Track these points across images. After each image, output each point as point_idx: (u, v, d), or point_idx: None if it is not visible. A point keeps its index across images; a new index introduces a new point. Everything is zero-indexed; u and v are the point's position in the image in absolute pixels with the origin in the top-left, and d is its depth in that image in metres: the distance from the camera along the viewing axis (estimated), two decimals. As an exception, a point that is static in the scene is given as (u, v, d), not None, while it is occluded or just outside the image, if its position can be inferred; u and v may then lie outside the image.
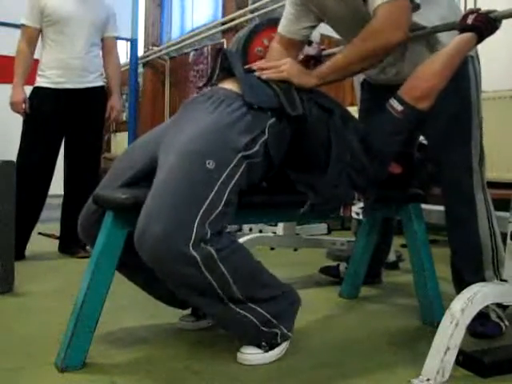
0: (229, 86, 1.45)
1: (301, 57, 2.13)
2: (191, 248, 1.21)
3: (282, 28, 1.84)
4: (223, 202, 1.27)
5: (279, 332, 1.39)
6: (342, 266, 2.27)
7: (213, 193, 1.26)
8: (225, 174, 1.28)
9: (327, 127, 1.47)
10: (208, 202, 1.25)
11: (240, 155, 1.31)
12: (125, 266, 1.42)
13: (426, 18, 1.61)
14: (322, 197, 1.45)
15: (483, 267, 1.70)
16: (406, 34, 1.52)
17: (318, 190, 1.44)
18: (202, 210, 1.24)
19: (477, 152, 1.70)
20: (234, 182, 1.30)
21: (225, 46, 5.79)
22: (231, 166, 1.30)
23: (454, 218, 1.75)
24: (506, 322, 1.63)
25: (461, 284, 1.68)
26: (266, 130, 1.37)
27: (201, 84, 6.15)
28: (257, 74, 1.50)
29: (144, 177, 1.39)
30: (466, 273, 1.71)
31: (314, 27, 1.85)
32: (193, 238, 1.21)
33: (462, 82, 1.67)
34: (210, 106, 1.39)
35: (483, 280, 1.65)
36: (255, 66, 1.54)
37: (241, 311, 1.33)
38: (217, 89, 1.47)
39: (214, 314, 1.40)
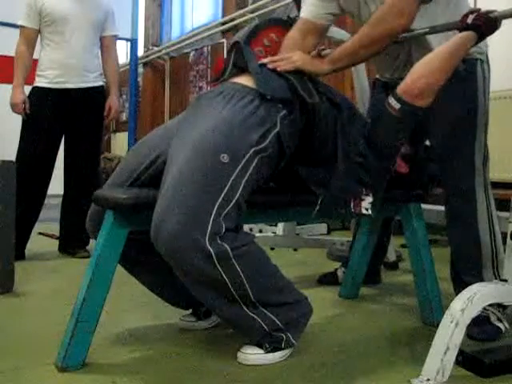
0: (240, 80, 1.45)
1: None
2: (207, 242, 1.21)
3: (306, 12, 1.82)
4: (237, 196, 1.27)
5: (285, 338, 1.38)
6: (340, 271, 2.27)
7: (227, 186, 1.26)
8: (238, 168, 1.29)
9: (335, 122, 1.47)
10: (223, 195, 1.25)
11: (253, 150, 1.31)
12: (130, 261, 1.42)
13: (432, 16, 1.63)
14: (331, 192, 1.45)
15: (482, 267, 1.70)
16: (409, 22, 1.57)
17: (327, 184, 1.45)
18: (217, 204, 1.24)
19: (481, 152, 1.71)
20: (247, 176, 1.30)
21: (225, 46, 5.79)
22: (244, 160, 1.30)
23: (453, 215, 1.75)
24: (506, 324, 1.62)
25: (459, 284, 1.69)
26: (278, 122, 1.37)
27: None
28: (270, 66, 1.51)
29: (152, 176, 1.39)
30: (465, 272, 1.71)
31: (336, 15, 1.85)
32: (208, 231, 1.21)
33: (469, 84, 1.69)
34: (221, 101, 1.39)
35: (482, 280, 1.65)
36: (267, 60, 1.54)
37: (252, 315, 1.33)
38: (227, 84, 1.46)
39: (225, 316, 1.39)
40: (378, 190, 1.54)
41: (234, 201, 1.27)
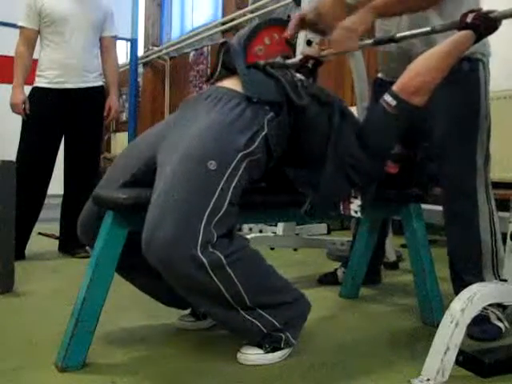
0: (227, 84, 1.45)
1: (300, 57, 2.13)
2: (199, 251, 1.20)
3: None
4: (227, 203, 1.27)
5: (284, 337, 1.38)
6: (340, 271, 2.26)
7: (216, 194, 1.25)
8: (227, 174, 1.28)
9: (327, 122, 1.47)
10: (212, 203, 1.24)
11: (241, 154, 1.31)
12: (124, 266, 1.42)
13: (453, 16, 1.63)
14: (319, 193, 1.44)
15: (482, 267, 1.70)
16: None
17: (317, 186, 1.44)
18: (207, 212, 1.23)
19: (482, 153, 1.71)
20: (236, 181, 1.29)
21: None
22: (232, 165, 1.29)
23: (454, 215, 1.75)
24: (506, 324, 1.62)
25: (460, 284, 1.68)
26: (265, 125, 1.37)
27: (203, 80, 6.13)
28: (325, 52, 1.61)
29: (145, 176, 1.39)
30: (465, 272, 1.71)
31: None
32: (200, 240, 1.20)
33: (472, 84, 1.69)
34: (208, 105, 1.39)
35: (482, 280, 1.65)
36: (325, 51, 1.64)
37: (249, 318, 1.32)
38: (215, 87, 1.46)
39: (221, 321, 1.39)
40: (368, 191, 1.54)
41: (224, 207, 1.26)
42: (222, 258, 1.23)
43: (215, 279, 1.24)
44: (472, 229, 1.70)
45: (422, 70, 1.47)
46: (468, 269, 1.71)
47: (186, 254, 1.20)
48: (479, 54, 1.69)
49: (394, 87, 1.48)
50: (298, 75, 1.56)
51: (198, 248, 1.20)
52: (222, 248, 1.24)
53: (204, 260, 1.21)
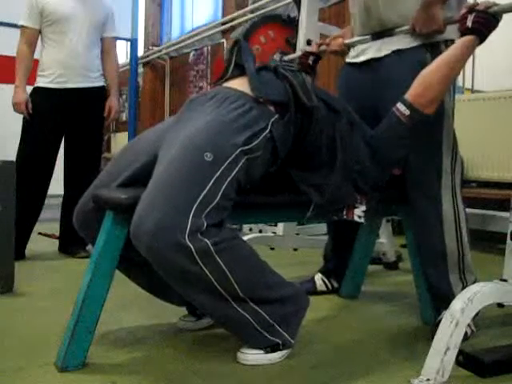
0: (235, 84, 1.45)
1: (299, 53, 2.12)
2: (186, 238, 1.20)
3: None
4: (220, 195, 1.26)
5: (281, 341, 1.38)
6: (318, 278, 2.17)
7: (209, 184, 1.25)
8: (223, 167, 1.28)
9: (333, 128, 1.47)
10: (204, 193, 1.24)
11: (239, 150, 1.31)
12: (123, 262, 1.42)
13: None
14: (324, 198, 1.44)
15: (448, 270, 1.66)
16: None
17: (322, 190, 1.44)
18: (197, 201, 1.23)
19: (448, 154, 1.67)
20: (232, 176, 1.29)
21: (224, 46, 5.79)
22: (230, 159, 1.29)
23: (417, 216, 1.71)
24: (473, 328, 1.60)
25: (430, 289, 1.69)
26: (269, 125, 1.37)
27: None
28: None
29: (143, 175, 1.39)
30: (433, 276, 1.69)
31: None
32: (188, 228, 1.20)
33: None
34: (212, 105, 1.39)
35: (449, 284, 1.64)
36: None
37: (241, 311, 1.31)
38: (221, 88, 1.47)
39: (214, 314, 1.38)
40: (373, 198, 1.54)
41: (216, 199, 1.25)
42: (210, 245, 1.22)
43: (203, 267, 1.23)
44: (435, 233, 1.65)
45: (433, 82, 1.48)
46: (433, 272, 1.68)
47: (173, 241, 1.20)
48: (442, 43, 1.65)
49: (409, 97, 1.49)
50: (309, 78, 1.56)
51: (186, 235, 1.20)
52: (210, 236, 1.23)
53: (192, 247, 1.20)
